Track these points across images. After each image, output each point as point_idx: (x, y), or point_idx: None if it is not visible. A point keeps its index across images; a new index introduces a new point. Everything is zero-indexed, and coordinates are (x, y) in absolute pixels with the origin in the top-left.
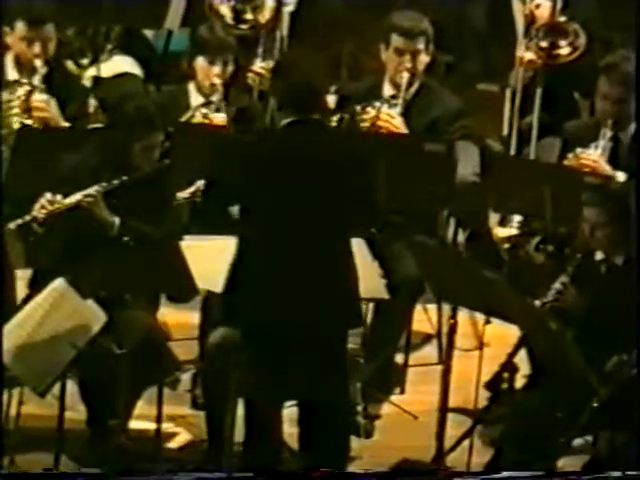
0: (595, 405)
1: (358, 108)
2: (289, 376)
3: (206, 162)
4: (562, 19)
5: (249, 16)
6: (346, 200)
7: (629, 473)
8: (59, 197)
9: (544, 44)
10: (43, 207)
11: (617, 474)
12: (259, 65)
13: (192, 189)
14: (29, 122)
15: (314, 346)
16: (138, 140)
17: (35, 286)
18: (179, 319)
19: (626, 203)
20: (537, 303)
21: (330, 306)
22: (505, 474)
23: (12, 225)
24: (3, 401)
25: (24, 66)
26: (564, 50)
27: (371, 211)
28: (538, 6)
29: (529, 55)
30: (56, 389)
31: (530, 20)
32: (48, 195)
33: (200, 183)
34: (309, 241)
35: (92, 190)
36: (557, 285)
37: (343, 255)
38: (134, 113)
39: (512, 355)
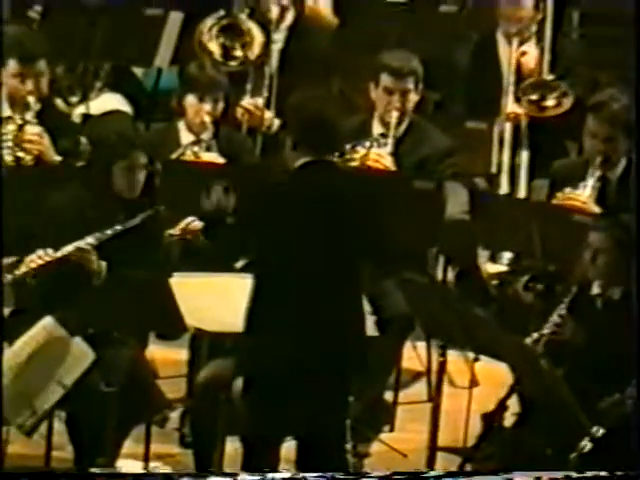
0: (586, 444)
1: (347, 147)
2: (289, 413)
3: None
4: (550, 77)
5: (238, 53)
6: (359, 243)
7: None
8: (50, 251)
9: (533, 97)
10: (33, 261)
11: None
12: (248, 102)
13: (182, 225)
14: (22, 155)
15: (318, 386)
16: (119, 162)
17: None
18: (167, 356)
19: (630, 232)
20: (535, 336)
21: (337, 348)
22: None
23: (6, 280)
24: None
25: (17, 103)
26: (550, 102)
27: (384, 254)
28: (524, 54)
29: (516, 108)
30: (43, 428)
31: (516, 68)
32: (40, 251)
33: (189, 220)
34: (319, 283)
35: (84, 243)
36: (555, 318)
37: (353, 298)
38: (115, 138)
39: (513, 388)
